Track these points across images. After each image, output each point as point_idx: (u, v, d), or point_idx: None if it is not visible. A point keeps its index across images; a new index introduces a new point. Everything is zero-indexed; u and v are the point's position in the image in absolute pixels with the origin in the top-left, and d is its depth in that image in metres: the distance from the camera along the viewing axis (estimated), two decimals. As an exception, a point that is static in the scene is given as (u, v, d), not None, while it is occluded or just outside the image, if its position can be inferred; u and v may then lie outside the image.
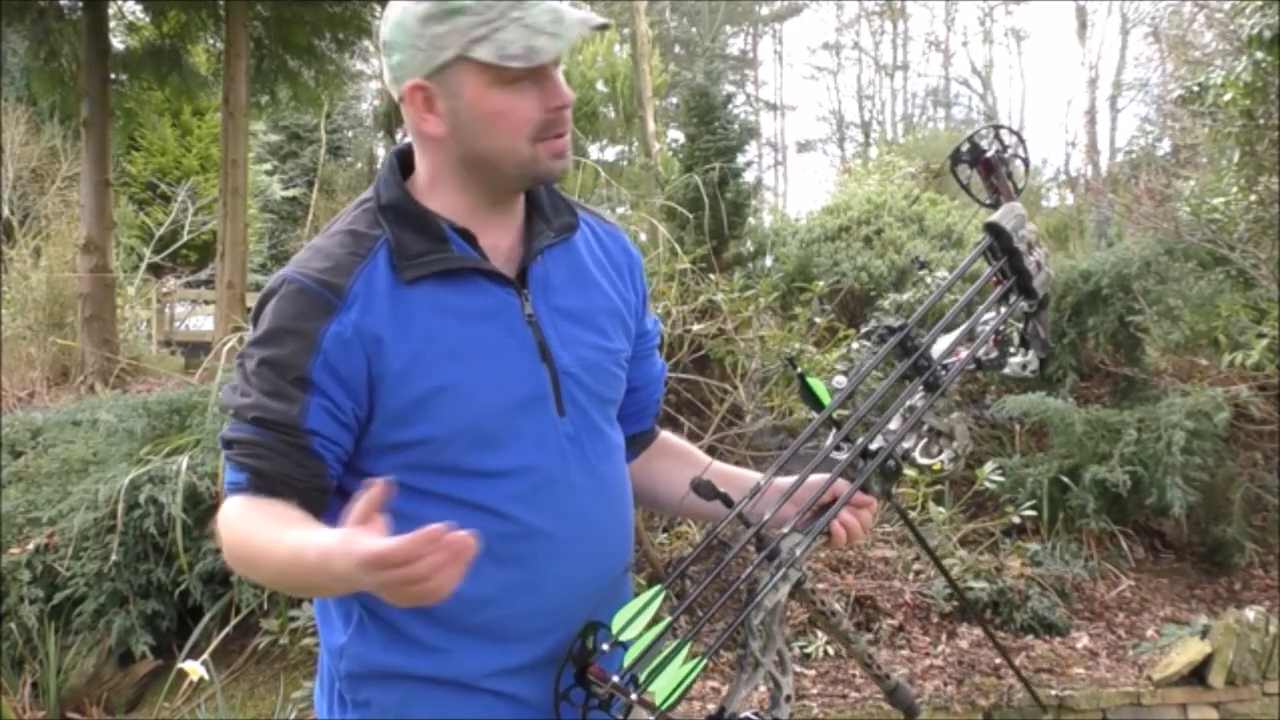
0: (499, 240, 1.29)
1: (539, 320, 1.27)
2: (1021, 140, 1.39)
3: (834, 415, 1.25)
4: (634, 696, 1.09)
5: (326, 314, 1.18)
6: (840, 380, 1.26)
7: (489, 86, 1.19)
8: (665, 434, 1.53)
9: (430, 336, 1.20)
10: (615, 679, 1.10)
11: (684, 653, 1.12)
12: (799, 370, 1.26)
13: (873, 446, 1.25)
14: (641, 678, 1.11)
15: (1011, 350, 1.35)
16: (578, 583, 1.22)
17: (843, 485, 1.24)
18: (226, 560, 1.23)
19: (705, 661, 1.12)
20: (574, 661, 1.13)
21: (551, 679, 1.16)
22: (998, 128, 1.37)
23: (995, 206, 1.35)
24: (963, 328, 1.33)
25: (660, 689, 1.10)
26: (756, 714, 1.14)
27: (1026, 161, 1.38)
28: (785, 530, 1.19)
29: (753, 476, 1.31)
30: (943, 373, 1.28)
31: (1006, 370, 1.35)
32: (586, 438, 1.28)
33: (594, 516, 1.27)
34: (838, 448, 1.24)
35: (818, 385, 1.26)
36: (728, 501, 1.18)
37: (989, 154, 1.35)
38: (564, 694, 1.13)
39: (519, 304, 1.26)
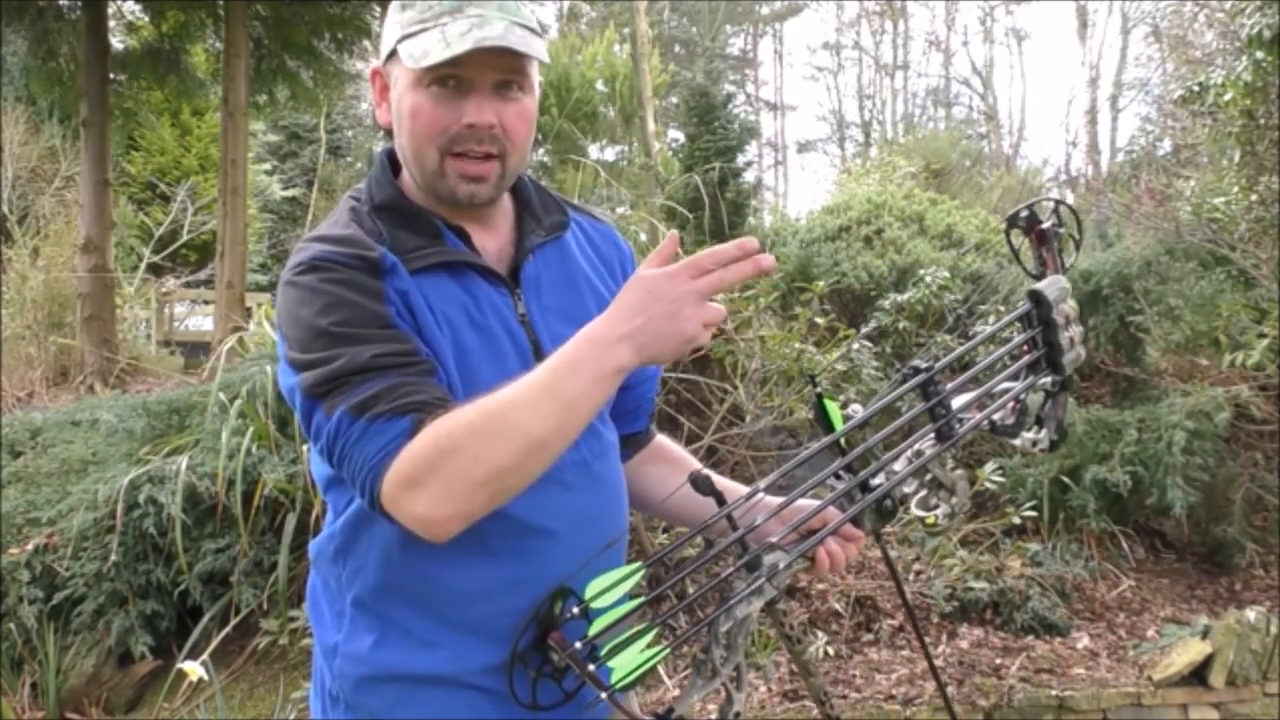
0: (486, 242, 1.28)
1: (532, 320, 1.26)
2: (1078, 220, 1.40)
3: (841, 442, 1.23)
4: (591, 669, 1.07)
5: (377, 274, 1.17)
6: (856, 409, 1.24)
7: (412, 85, 1.20)
8: (661, 438, 1.52)
9: (437, 327, 1.19)
10: (577, 645, 1.09)
11: (648, 638, 1.10)
12: (818, 390, 1.25)
13: (873, 482, 1.23)
14: (602, 652, 1.09)
15: (1027, 422, 1.35)
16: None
17: (834, 513, 1.22)
18: (448, 484, 1.04)
19: (667, 652, 1.10)
20: (537, 624, 1.12)
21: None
22: (1058, 203, 1.39)
23: (1040, 277, 1.36)
24: (986, 387, 1.32)
25: (618, 668, 1.08)
26: None
27: (1078, 242, 1.39)
28: (770, 541, 1.18)
29: (744, 490, 1.31)
30: (957, 425, 1.26)
31: (1016, 442, 1.34)
32: (581, 436, 1.26)
33: (590, 514, 1.27)
34: (837, 475, 1.22)
35: (833, 409, 1.24)
36: (720, 500, 1.17)
37: (1044, 225, 1.36)
38: (521, 655, 1.11)
39: (512, 303, 1.26)
